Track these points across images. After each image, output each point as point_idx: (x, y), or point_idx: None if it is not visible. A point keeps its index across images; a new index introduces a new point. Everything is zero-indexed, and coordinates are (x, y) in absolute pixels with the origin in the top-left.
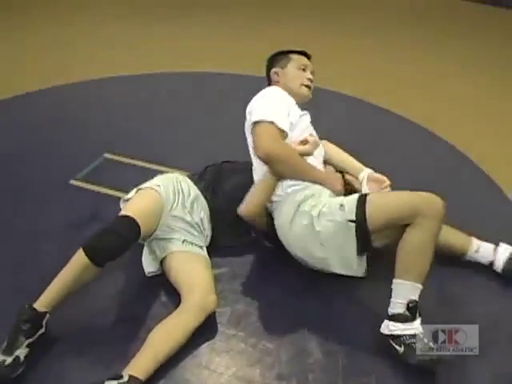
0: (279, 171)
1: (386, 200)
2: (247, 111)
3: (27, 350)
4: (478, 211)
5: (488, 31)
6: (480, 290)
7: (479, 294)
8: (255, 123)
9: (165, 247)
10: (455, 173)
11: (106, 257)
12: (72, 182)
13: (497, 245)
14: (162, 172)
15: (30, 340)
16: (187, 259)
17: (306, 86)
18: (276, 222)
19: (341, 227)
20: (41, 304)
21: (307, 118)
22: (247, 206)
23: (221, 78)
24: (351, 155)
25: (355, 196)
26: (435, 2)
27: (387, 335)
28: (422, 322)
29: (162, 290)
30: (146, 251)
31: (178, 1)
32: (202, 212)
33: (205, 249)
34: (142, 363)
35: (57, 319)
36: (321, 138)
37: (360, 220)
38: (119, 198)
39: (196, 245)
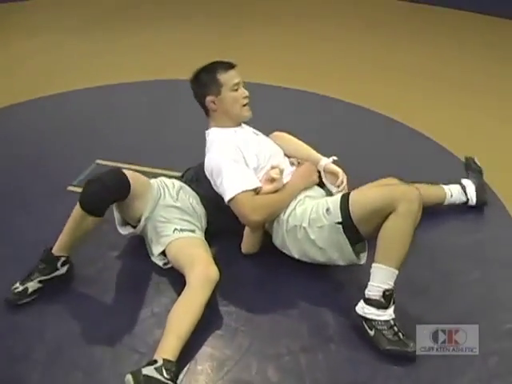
0: (267, 222)
1: (366, 195)
2: (207, 171)
3: (39, 285)
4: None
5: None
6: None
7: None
8: (230, 200)
9: (160, 242)
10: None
11: (93, 205)
12: (70, 188)
13: (459, 183)
14: (154, 174)
15: (43, 278)
16: (183, 245)
17: (245, 105)
18: (274, 242)
19: (331, 230)
20: (55, 249)
21: (257, 141)
22: (246, 247)
23: None
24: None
25: (338, 197)
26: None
27: (361, 316)
28: (422, 322)
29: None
30: (150, 253)
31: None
32: (190, 198)
33: (198, 231)
34: (168, 345)
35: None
36: (272, 131)
37: (346, 219)
38: None
39: (188, 230)
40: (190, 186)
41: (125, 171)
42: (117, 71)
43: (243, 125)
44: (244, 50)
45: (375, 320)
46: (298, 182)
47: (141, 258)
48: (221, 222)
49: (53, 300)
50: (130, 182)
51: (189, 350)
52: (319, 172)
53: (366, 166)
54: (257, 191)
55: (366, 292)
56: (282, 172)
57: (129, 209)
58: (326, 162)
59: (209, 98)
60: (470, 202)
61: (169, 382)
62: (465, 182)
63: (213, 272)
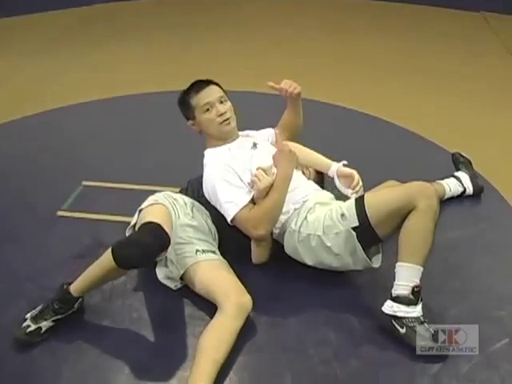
0: (272, 227)
1: (381, 197)
2: (206, 194)
3: (52, 323)
4: None
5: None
6: None
7: None
8: (232, 221)
9: (181, 264)
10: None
11: (131, 266)
12: (59, 213)
13: (453, 176)
14: (143, 191)
15: (58, 317)
16: (208, 268)
17: (224, 121)
18: (286, 250)
19: (347, 235)
20: (74, 289)
21: (250, 155)
22: (256, 258)
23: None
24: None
25: (352, 201)
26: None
27: (389, 315)
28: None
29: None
30: (160, 274)
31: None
32: (203, 215)
33: (217, 251)
34: (205, 371)
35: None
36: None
37: (363, 223)
38: (114, 222)
39: (209, 251)
40: (198, 201)
41: (157, 219)
42: (82, 89)
43: (242, 137)
44: (209, 60)
45: (406, 317)
46: (283, 169)
47: (149, 282)
48: (232, 238)
49: (65, 335)
50: (168, 234)
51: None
52: (326, 176)
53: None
54: (253, 203)
55: (393, 291)
56: (266, 170)
57: None
58: (337, 166)
59: (189, 123)
60: (468, 192)
61: None
62: (458, 173)
63: (248, 301)
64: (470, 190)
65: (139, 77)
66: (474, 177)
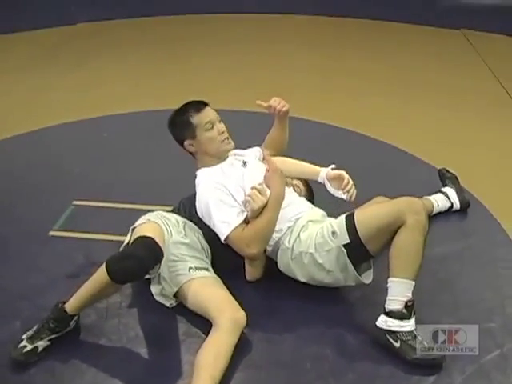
0: (265, 246)
1: (371, 213)
2: (199, 213)
3: (48, 343)
4: None
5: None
6: None
7: None
8: (225, 240)
9: (174, 282)
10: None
11: (125, 279)
12: (51, 233)
13: (441, 192)
14: (134, 210)
15: (54, 336)
16: (202, 285)
17: (224, 140)
18: (279, 267)
19: (338, 252)
20: (70, 307)
21: (250, 159)
22: (250, 275)
23: (155, 115)
24: None
25: (342, 218)
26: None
27: (384, 329)
28: (422, 322)
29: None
30: (155, 291)
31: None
32: (195, 233)
33: (210, 268)
34: None
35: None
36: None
37: (354, 240)
38: (106, 241)
39: (202, 268)
40: (191, 220)
41: (150, 233)
42: (66, 108)
43: (231, 156)
44: (193, 76)
45: (400, 332)
46: (276, 189)
47: (144, 301)
48: (225, 256)
49: (62, 354)
50: (161, 247)
51: None
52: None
53: None
54: (246, 221)
55: (386, 306)
56: (260, 190)
57: None
58: (325, 170)
59: (186, 142)
60: (455, 207)
61: None
62: (445, 189)
63: (243, 317)
64: (457, 204)
65: (125, 94)
66: (460, 192)
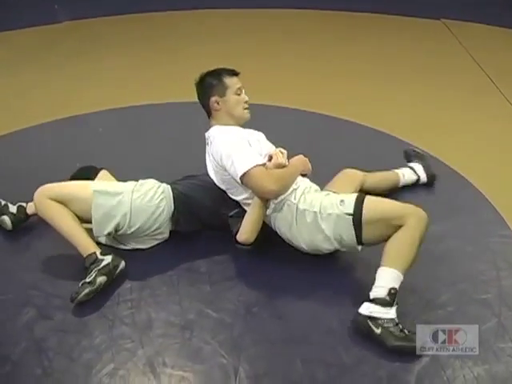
0: (281, 194)
1: (380, 203)
2: (217, 158)
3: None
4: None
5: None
6: None
7: None
8: (244, 175)
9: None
10: None
11: None
12: None
13: (408, 166)
14: None
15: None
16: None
17: (247, 108)
18: (280, 230)
19: (340, 219)
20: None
21: (262, 137)
22: (246, 235)
23: (151, 109)
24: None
25: (354, 195)
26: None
27: (366, 316)
28: (422, 322)
29: None
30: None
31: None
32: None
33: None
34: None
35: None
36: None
37: (356, 214)
38: None
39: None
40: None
41: None
42: (52, 106)
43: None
44: (180, 73)
45: (381, 318)
46: (297, 164)
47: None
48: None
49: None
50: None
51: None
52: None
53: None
54: (265, 167)
55: (372, 293)
56: (283, 153)
57: None
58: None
59: (213, 99)
60: (422, 179)
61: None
62: (411, 164)
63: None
64: (423, 178)
65: (112, 91)
66: (428, 167)
